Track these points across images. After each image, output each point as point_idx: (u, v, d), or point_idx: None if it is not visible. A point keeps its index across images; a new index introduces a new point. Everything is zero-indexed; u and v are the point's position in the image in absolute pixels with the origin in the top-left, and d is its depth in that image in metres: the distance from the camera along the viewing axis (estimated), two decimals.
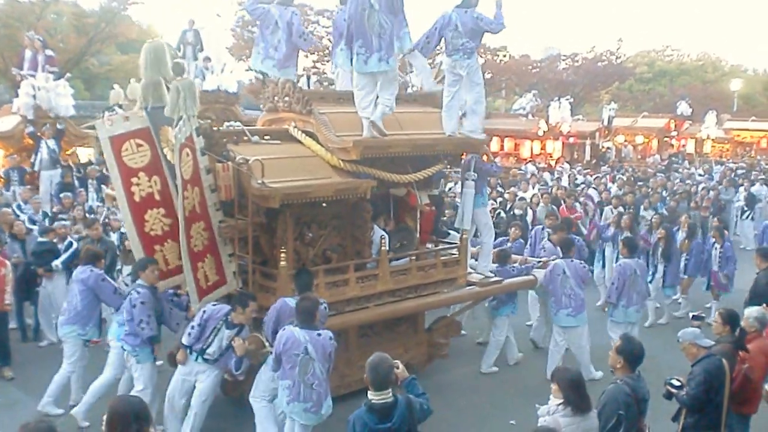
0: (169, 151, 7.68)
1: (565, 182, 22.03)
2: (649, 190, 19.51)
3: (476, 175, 8.88)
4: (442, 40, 8.67)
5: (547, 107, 32.65)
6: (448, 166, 9.35)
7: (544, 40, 54.38)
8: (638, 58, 59.36)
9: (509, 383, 9.33)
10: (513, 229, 11.54)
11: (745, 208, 19.40)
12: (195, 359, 7.19)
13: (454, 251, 9.14)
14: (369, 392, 5.02)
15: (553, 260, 9.99)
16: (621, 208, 15.04)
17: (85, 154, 19.39)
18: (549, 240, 11.24)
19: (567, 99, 34.41)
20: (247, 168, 7.29)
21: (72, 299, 8.15)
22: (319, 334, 6.41)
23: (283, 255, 7.51)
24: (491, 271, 9.36)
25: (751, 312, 7.07)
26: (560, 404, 5.13)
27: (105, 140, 7.72)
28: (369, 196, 8.04)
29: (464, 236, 9.08)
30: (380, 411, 4.91)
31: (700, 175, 28.81)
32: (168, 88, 7.50)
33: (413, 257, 8.78)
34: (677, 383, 6.22)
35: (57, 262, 10.14)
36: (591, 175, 24.99)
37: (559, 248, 9.92)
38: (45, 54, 18.53)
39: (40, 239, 10.43)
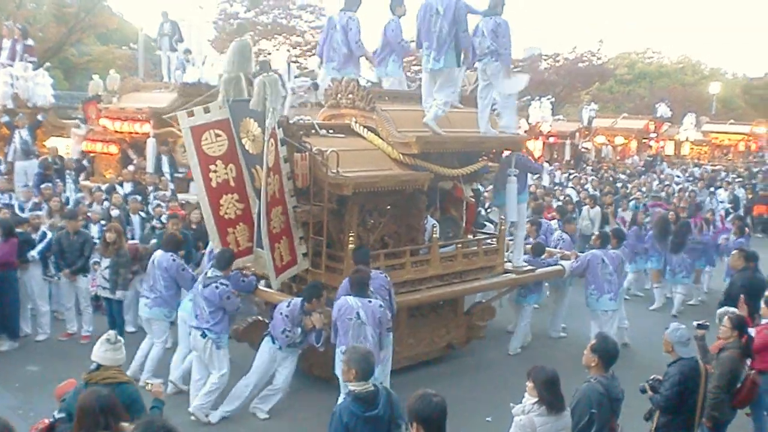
0: (249, 141, 8.66)
1: (546, 182, 23.22)
2: (628, 190, 20.84)
3: (517, 170, 9.96)
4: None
5: (527, 107, 33.61)
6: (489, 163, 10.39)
7: (525, 40, 55.25)
8: (619, 60, 61.23)
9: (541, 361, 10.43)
10: (528, 225, 12.52)
11: (731, 210, 20.47)
12: (279, 348, 8.17)
13: (493, 241, 10.23)
14: (349, 385, 5.28)
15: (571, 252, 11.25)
16: (597, 208, 16.20)
17: (62, 144, 19.77)
18: (564, 232, 12.49)
19: (548, 99, 35.60)
20: (324, 158, 8.28)
21: (155, 284, 9.05)
22: (370, 301, 7.51)
23: (351, 238, 8.54)
24: (525, 261, 10.48)
25: (724, 312, 7.46)
26: (535, 403, 5.23)
27: (186, 129, 8.69)
28: (426, 187, 9.10)
29: (502, 227, 10.17)
30: (365, 399, 5.12)
31: (678, 176, 30.15)
32: (251, 83, 8.45)
33: (459, 245, 9.82)
34: (654, 383, 6.55)
35: (33, 253, 10.51)
36: (570, 175, 26.29)
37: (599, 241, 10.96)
38: (24, 43, 18.94)
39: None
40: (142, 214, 12.74)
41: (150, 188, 15.41)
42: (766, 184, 26.64)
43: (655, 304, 13.84)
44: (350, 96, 9.42)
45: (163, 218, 12.12)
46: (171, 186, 15.81)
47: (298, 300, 8.05)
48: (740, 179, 28.20)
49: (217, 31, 43.94)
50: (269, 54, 46.39)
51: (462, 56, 9.23)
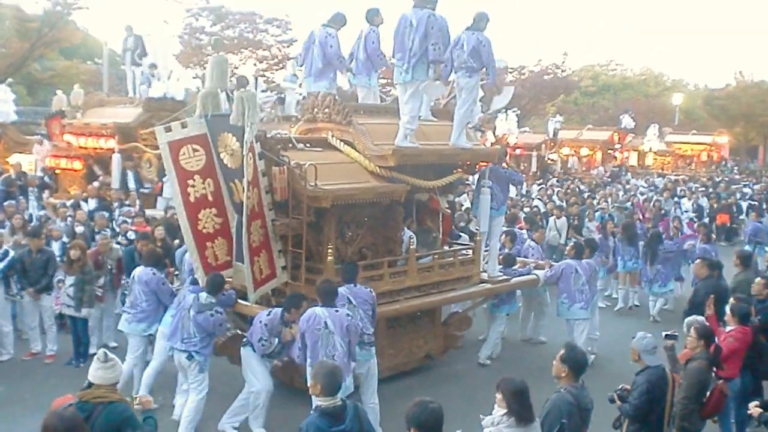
0: (227, 155, 8.74)
1: (513, 193, 23.50)
2: (594, 201, 21.22)
3: (491, 182, 10.14)
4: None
5: (494, 119, 33.94)
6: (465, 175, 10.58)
7: None
8: (583, 72, 62.31)
9: (511, 372, 10.59)
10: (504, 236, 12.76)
11: (694, 219, 20.86)
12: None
13: (469, 252, 10.40)
14: (317, 399, 5.29)
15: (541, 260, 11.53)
16: (563, 219, 16.51)
17: (26, 161, 19.82)
18: (533, 240, 12.84)
19: (514, 111, 36.08)
20: (303, 171, 8.39)
21: (135, 299, 9.14)
22: (337, 311, 7.57)
23: (330, 251, 8.66)
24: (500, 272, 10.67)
25: (691, 322, 7.52)
26: (504, 414, 5.23)
27: (164, 145, 8.73)
28: (403, 199, 9.25)
29: (478, 238, 10.35)
30: (332, 414, 5.15)
31: (643, 186, 30.70)
32: (229, 98, 8.55)
33: (435, 256, 9.98)
34: (622, 392, 6.61)
35: None
36: (538, 186, 26.69)
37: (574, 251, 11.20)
38: None
39: None
40: (107, 230, 12.59)
41: (115, 204, 15.38)
42: (728, 193, 27.22)
43: (619, 304, 14.56)
44: (326, 110, 9.56)
45: (129, 234, 12.03)
46: (138, 202, 15.79)
47: (278, 310, 8.12)
48: (704, 189, 28.76)
49: (183, 45, 43.97)
50: (236, 68, 46.44)
51: (430, 69, 9.38)
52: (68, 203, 14.84)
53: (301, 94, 11.97)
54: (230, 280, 8.92)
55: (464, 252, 10.48)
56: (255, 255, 8.52)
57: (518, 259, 11.77)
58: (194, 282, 9.10)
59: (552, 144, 38.96)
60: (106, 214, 13.60)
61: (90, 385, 5.40)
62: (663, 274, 13.72)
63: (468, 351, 11.04)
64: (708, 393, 7.03)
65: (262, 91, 22.09)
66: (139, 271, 9.24)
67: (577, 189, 25.91)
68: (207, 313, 8.00)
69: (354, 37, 10.43)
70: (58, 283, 10.38)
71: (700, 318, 7.72)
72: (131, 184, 17.43)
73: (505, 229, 11.89)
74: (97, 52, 38.64)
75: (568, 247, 11.99)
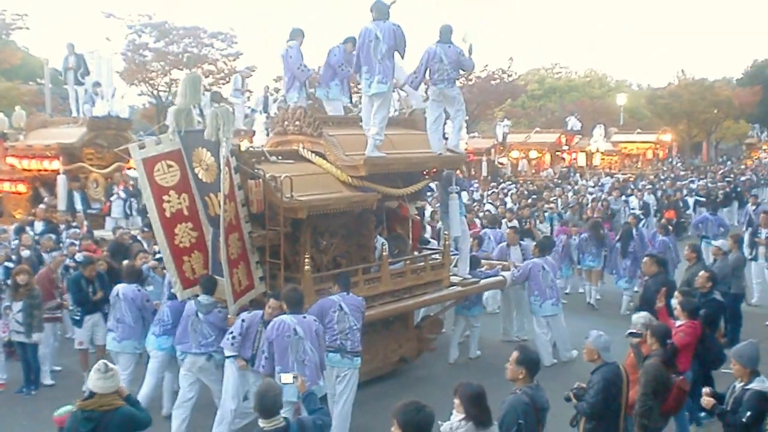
0: (202, 170, 8.98)
1: (465, 198, 24.00)
2: (544, 203, 21.82)
3: (459, 188, 10.56)
4: (428, 71, 10.26)
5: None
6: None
7: None
8: (529, 76, 63.54)
9: (488, 372, 10.98)
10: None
11: (641, 216, 21.47)
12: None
13: (439, 256, 10.78)
14: (259, 420, 5.33)
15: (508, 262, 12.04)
16: (515, 222, 16.85)
17: None
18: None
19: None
20: (279, 183, 8.67)
21: (122, 316, 9.36)
22: (305, 317, 7.87)
23: (307, 260, 8.94)
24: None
25: (639, 318, 7.92)
26: (462, 419, 5.27)
27: (138, 161, 8.95)
28: (375, 207, 9.58)
29: (446, 242, 10.74)
30: None
31: (591, 186, 31.45)
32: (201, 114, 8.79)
33: (407, 262, 10.33)
34: (578, 391, 6.75)
35: None
36: (489, 191, 27.26)
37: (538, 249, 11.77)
38: None
39: None
40: (55, 254, 12.47)
41: (62, 226, 15.28)
42: (674, 190, 28.07)
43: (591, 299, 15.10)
44: (297, 123, 9.87)
45: (77, 257, 11.86)
46: (86, 223, 15.74)
47: (259, 311, 8.38)
48: (650, 186, 29.57)
49: (126, 62, 43.71)
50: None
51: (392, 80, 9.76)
52: (9, 228, 14.68)
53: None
54: None
55: (434, 257, 10.84)
56: (234, 267, 8.76)
57: (484, 261, 12.17)
58: (172, 297, 9.35)
59: (501, 148, 39.57)
60: (54, 237, 13.59)
61: (92, 394, 5.65)
62: (630, 270, 14.31)
63: (441, 353, 11.43)
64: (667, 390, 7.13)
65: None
66: (122, 288, 9.45)
67: (525, 192, 26.44)
68: (215, 311, 8.46)
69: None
70: (5, 310, 10.25)
71: (647, 314, 8.06)
72: (78, 206, 17.40)
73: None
74: (38, 72, 38.07)
75: (532, 247, 12.44)
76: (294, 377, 6.31)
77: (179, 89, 9.17)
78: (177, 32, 44.70)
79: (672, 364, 7.29)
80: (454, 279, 10.87)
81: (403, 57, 9.62)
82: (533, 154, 41.72)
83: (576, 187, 30.27)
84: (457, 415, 5.33)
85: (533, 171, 40.93)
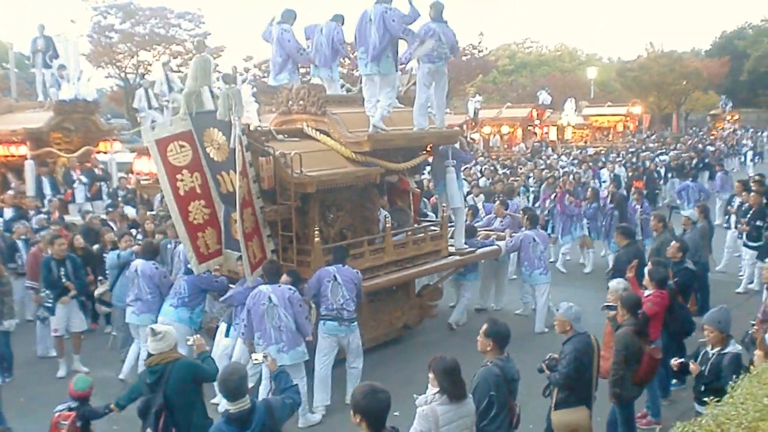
0: (213, 150, 9.53)
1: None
2: (516, 178, 22.54)
3: (455, 162, 11.21)
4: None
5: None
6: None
7: None
8: (500, 51, 64.39)
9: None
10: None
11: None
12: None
13: (437, 227, 11.45)
14: (226, 403, 5.40)
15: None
16: (482, 196, 17.67)
17: None
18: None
19: None
20: (289, 160, 9.26)
21: (140, 292, 9.91)
22: (279, 286, 8.52)
23: (316, 232, 9.55)
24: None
25: (617, 285, 8.20)
26: (437, 393, 5.36)
27: (151, 143, 9.44)
28: (379, 181, 10.21)
29: (444, 214, 11.41)
30: (238, 420, 5.25)
31: (563, 160, 32.09)
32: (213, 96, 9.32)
33: (408, 233, 10.99)
34: (550, 362, 6.95)
35: None
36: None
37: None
38: None
39: None
40: (24, 237, 12.79)
41: (32, 212, 15.46)
42: (644, 161, 28.90)
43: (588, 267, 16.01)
44: (301, 102, 10.43)
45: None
46: (47, 207, 15.90)
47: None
48: (620, 159, 30.35)
49: (93, 44, 43.64)
50: (149, 65, 46.25)
51: (397, 62, 10.36)
52: None
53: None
54: (218, 268, 9.82)
55: (433, 228, 11.50)
56: (249, 240, 9.33)
57: (481, 230, 12.90)
58: (188, 272, 9.90)
59: (473, 124, 40.08)
60: (27, 223, 13.76)
61: (150, 355, 6.42)
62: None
63: (442, 320, 12.16)
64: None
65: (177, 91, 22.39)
66: (140, 264, 9.98)
67: (493, 167, 27.01)
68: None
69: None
70: None
71: (624, 281, 8.41)
72: (47, 191, 17.47)
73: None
74: (2, 56, 38.05)
75: (524, 220, 13.14)
76: (264, 356, 6.52)
77: (190, 72, 9.68)
78: (143, 13, 44.79)
79: (644, 334, 7.46)
80: (451, 249, 11.56)
81: (386, 35, 10.05)
82: (505, 129, 42.47)
83: (548, 161, 31.00)
84: (432, 389, 5.45)
85: (505, 146, 41.63)
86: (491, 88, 58.34)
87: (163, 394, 6.18)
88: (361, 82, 10.83)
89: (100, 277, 11.53)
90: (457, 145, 11.55)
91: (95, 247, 12.32)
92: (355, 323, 9.24)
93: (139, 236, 12.85)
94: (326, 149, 10.17)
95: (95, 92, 20.55)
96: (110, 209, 15.04)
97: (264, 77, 41.29)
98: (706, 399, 4.69)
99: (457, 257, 11.47)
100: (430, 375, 5.46)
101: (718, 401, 3.80)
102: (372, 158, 10.21)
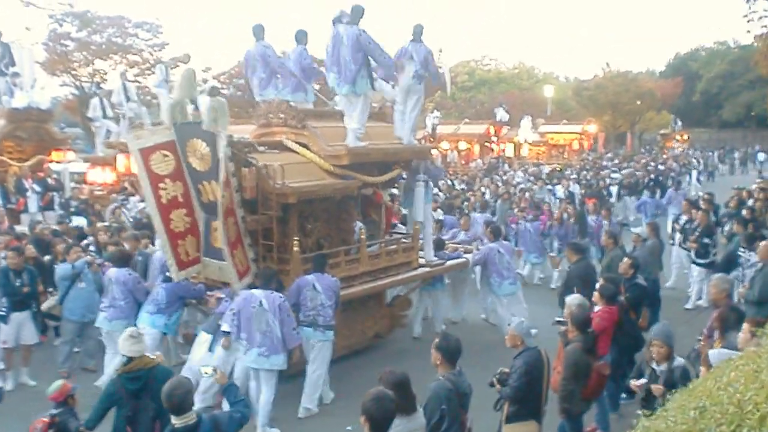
0: (196, 160, 9.88)
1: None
2: (473, 194, 23.23)
3: (426, 176, 11.72)
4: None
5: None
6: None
7: None
8: (459, 68, 65.27)
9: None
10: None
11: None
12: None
13: (408, 240, 11.95)
14: (171, 417, 5.39)
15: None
16: (440, 210, 17.70)
17: None
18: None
19: None
20: (272, 171, 9.67)
21: (113, 299, 10.23)
22: (272, 292, 8.93)
23: (295, 242, 9.97)
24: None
25: (573, 300, 8.23)
26: None
27: (135, 152, 9.78)
28: (356, 194, 10.68)
29: (416, 227, 11.91)
30: None
31: (519, 177, 32.92)
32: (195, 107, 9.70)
33: (381, 244, 11.47)
34: (502, 376, 7.10)
35: None
36: None
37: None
38: None
39: None
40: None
41: None
42: (598, 179, 29.75)
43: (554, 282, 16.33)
44: (282, 115, 10.86)
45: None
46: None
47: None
48: (575, 176, 31.16)
49: (48, 52, 43.34)
50: (105, 74, 45.99)
51: (372, 80, 10.85)
52: None
53: None
54: (196, 276, 10.19)
55: (404, 240, 12.00)
56: (233, 249, 9.70)
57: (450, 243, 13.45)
58: (167, 279, 10.23)
59: (431, 139, 40.71)
60: None
61: (129, 360, 6.65)
62: None
63: (411, 329, 12.67)
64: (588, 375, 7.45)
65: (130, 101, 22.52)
66: (113, 272, 10.31)
67: (450, 182, 27.55)
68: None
69: None
70: None
71: (581, 297, 8.46)
72: None
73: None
74: None
75: (486, 233, 13.70)
76: (214, 370, 6.60)
77: (176, 84, 10.03)
78: (100, 21, 44.68)
79: (593, 350, 7.63)
80: (421, 261, 12.06)
81: (376, 59, 10.64)
82: (462, 145, 43.07)
83: (505, 177, 31.69)
84: None
85: (462, 162, 42.25)
86: (450, 104, 59.12)
87: (152, 399, 6.30)
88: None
89: (50, 289, 11.50)
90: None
91: (46, 258, 12.25)
92: (331, 332, 9.66)
93: (92, 248, 12.92)
94: (305, 161, 10.61)
95: (49, 101, 20.55)
96: (68, 220, 15.15)
97: (223, 88, 41.52)
98: None
99: (428, 269, 11.97)
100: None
101: (650, 415, 3.87)
102: (349, 171, 10.67)
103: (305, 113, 10.92)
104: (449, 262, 12.40)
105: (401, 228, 13.23)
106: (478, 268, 13.34)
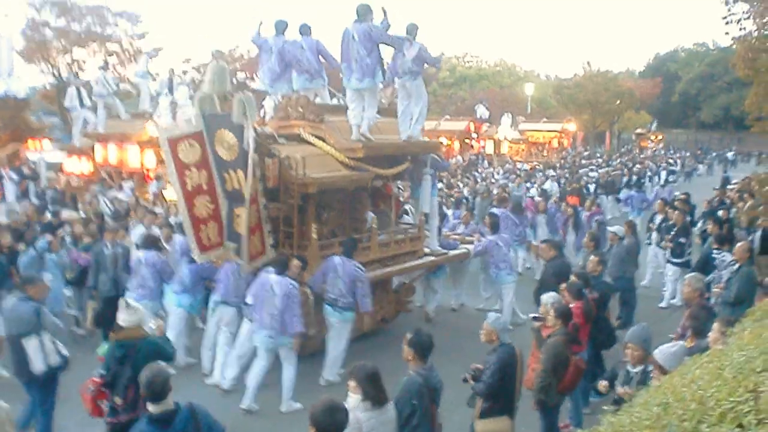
0: (223, 149, 10.63)
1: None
2: (453, 191, 24.06)
3: (433, 170, 12.56)
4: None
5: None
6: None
7: None
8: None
9: (458, 329, 13.05)
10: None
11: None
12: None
13: (415, 230, 12.79)
14: (149, 405, 5.50)
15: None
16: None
17: None
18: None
19: None
20: (294, 162, 10.45)
21: (143, 281, 10.97)
22: (284, 278, 9.73)
23: (314, 229, 10.77)
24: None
25: (548, 299, 8.28)
26: (361, 400, 5.54)
27: (164, 140, 10.52)
28: (368, 185, 11.50)
29: (421, 218, 12.74)
30: (160, 420, 5.40)
31: (498, 173, 33.81)
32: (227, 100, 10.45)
33: (390, 233, 12.30)
34: (475, 372, 7.23)
35: None
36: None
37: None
38: None
39: None
40: None
41: None
42: (578, 177, 30.67)
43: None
44: (300, 109, 11.63)
45: None
46: None
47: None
48: (554, 174, 32.00)
49: (26, 40, 43.45)
50: (84, 62, 46.13)
51: (384, 71, 11.68)
52: None
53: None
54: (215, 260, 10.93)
55: (411, 230, 12.83)
56: (252, 234, 10.49)
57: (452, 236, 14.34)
58: (191, 261, 10.98)
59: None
60: None
61: (121, 328, 7.23)
62: (577, 244, 16.49)
63: (416, 315, 13.56)
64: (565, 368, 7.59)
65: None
66: (142, 254, 11.05)
67: None
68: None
69: None
70: None
71: (556, 295, 8.57)
72: None
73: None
74: None
75: (486, 224, 14.54)
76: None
77: (206, 77, 10.78)
78: (79, 10, 44.86)
79: (575, 343, 7.91)
80: (426, 250, 12.90)
81: (393, 45, 11.57)
82: (442, 141, 43.88)
83: (484, 174, 32.47)
84: (354, 396, 5.63)
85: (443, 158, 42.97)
86: (431, 100, 59.37)
87: (132, 368, 6.75)
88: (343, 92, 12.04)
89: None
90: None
91: (20, 246, 12.19)
92: (349, 313, 10.53)
93: (68, 238, 13.27)
94: (322, 154, 11.40)
95: (26, 89, 20.70)
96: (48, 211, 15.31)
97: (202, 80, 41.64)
98: None
99: (433, 258, 12.81)
100: (352, 383, 5.69)
101: (616, 411, 3.99)
102: (363, 164, 11.47)
103: (324, 108, 11.68)
104: (452, 252, 13.23)
105: (409, 219, 14.05)
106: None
